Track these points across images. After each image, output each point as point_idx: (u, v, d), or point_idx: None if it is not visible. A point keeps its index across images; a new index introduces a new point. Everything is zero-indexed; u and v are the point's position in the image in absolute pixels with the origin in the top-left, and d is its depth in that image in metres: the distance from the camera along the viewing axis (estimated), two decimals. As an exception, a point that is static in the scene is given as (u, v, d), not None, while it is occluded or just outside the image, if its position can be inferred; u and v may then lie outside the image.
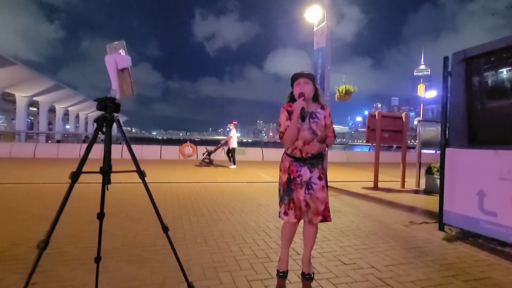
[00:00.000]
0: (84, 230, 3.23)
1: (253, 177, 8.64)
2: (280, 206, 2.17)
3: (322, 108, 2.18)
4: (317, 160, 2.13)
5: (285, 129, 2.06)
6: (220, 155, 12.03)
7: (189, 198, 5.20)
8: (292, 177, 2.11)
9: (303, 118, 2.00)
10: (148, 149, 14.82)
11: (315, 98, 2.18)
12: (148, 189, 1.71)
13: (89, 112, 46.60)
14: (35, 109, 37.60)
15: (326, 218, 2.12)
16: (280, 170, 2.21)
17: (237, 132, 11.90)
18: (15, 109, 29.22)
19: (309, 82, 2.11)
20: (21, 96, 27.65)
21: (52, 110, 36.42)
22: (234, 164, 11.29)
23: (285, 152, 2.21)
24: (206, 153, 11.75)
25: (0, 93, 24.81)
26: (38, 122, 34.61)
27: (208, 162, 11.59)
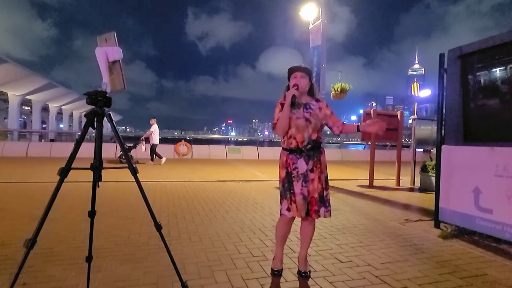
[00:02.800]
0: (76, 230, 3.16)
1: (248, 175, 8.60)
2: (281, 203, 2.17)
3: (317, 101, 2.22)
4: (314, 152, 2.14)
5: (278, 119, 2.13)
6: (141, 151, 11.35)
7: (184, 197, 5.15)
8: (289, 170, 2.12)
9: (292, 104, 2.05)
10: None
11: (311, 92, 2.22)
12: (141, 186, 1.67)
13: (83, 111, 46.13)
14: (28, 108, 37.10)
15: (309, 212, 2.11)
16: (279, 166, 2.22)
17: (158, 128, 11.17)
18: (8, 107, 28.79)
19: (306, 76, 2.18)
20: (13, 95, 27.22)
21: (45, 109, 35.98)
22: (152, 160, 10.86)
23: (282, 147, 2.23)
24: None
25: (-8, 91, 24.45)
26: (31, 121, 34.16)
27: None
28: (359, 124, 2.18)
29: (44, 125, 39.47)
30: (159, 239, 3.05)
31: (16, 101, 27.46)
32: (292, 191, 2.10)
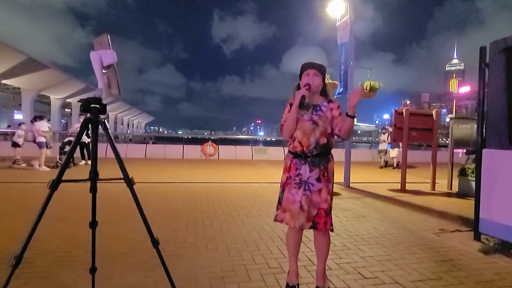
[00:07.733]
0: (98, 233, 3.18)
1: (273, 177, 8.42)
2: (277, 209, 2.07)
3: (329, 102, 2.02)
4: (320, 159, 1.96)
5: (285, 121, 2.01)
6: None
7: (206, 200, 5.10)
8: (289, 175, 1.99)
9: (301, 105, 1.90)
10: (171, 149, 15.04)
11: (324, 92, 2.05)
12: (136, 198, 1.60)
13: (117, 112, 48.45)
14: (69, 110, 39.56)
15: (316, 225, 1.94)
16: (284, 169, 2.08)
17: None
18: (50, 110, 30.88)
19: (319, 75, 2.02)
20: (55, 98, 29.17)
21: (83, 111, 38.12)
22: (84, 159, 9.89)
23: (288, 150, 2.09)
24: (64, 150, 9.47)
25: (36, 95, 26.28)
26: (71, 123, 36.38)
27: None
28: (346, 112, 1.92)
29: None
30: (174, 246, 2.99)
31: (57, 104, 29.39)
32: (281, 198, 2.01)
